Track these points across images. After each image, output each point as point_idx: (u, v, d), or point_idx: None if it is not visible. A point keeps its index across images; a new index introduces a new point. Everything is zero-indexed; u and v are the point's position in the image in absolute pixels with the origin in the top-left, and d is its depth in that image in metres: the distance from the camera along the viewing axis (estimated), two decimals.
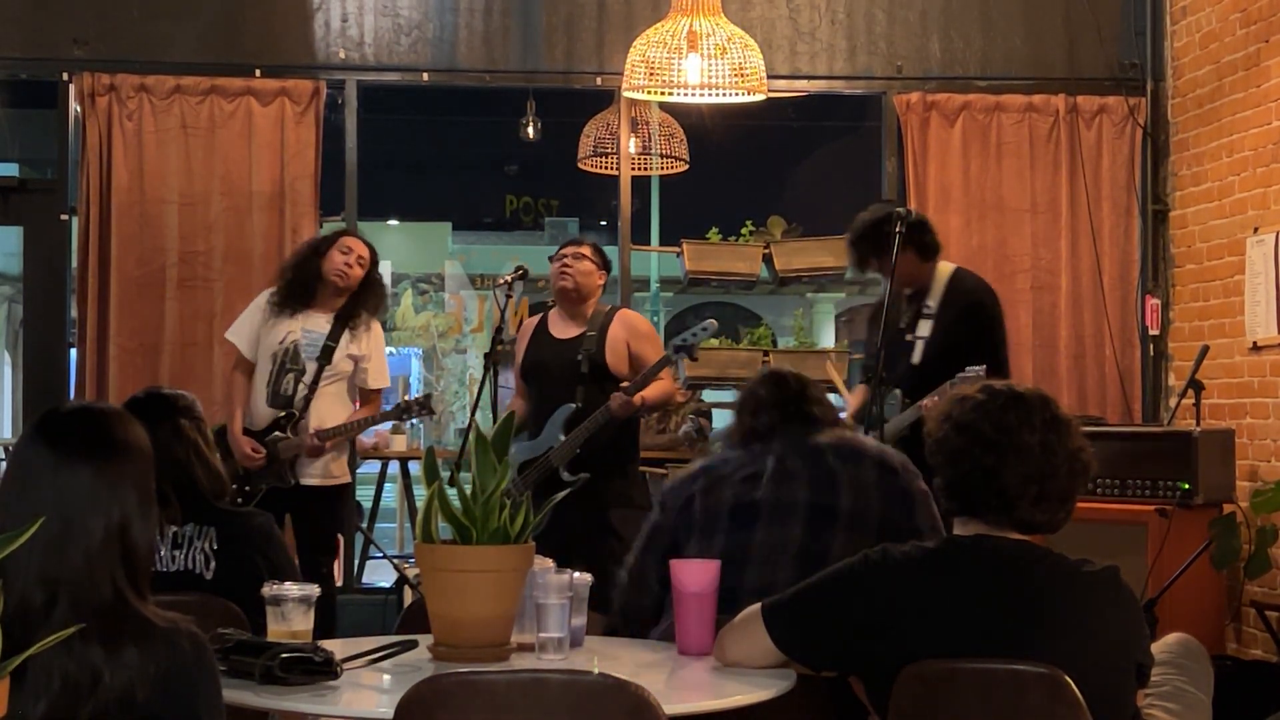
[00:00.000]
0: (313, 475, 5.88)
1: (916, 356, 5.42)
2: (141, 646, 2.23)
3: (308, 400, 5.84)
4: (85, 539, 2.26)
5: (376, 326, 6.05)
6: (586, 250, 5.82)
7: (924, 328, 5.46)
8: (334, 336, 5.87)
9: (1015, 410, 2.91)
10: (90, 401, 2.42)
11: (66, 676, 2.18)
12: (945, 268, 5.59)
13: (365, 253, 5.94)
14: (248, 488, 5.85)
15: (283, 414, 5.85)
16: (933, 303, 5.49)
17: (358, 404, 6.10)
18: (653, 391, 5.64)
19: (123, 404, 3.86)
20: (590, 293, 5.81)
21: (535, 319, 5.97)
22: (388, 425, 7.39)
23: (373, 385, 6.02)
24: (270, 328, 5.90)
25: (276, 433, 5.84)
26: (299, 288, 5.91)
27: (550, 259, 5.92)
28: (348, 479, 6.17)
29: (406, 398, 6.21)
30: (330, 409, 5.90)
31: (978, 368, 5.14)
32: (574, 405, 5.63)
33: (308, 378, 5.86)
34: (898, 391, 5.42)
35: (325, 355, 5.85)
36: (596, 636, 3.47)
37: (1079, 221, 7.18)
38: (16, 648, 2.03)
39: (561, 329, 5.82)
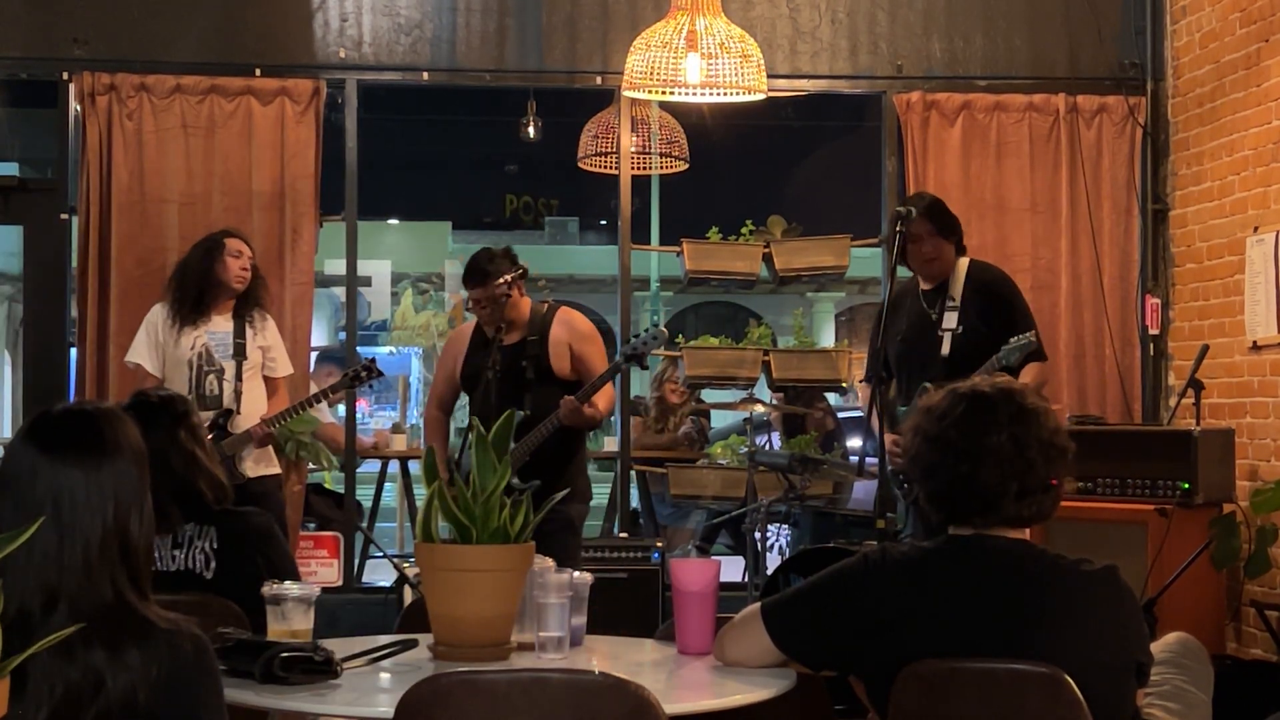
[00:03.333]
0: (256, 467, 6.06)
1: (945, 349, 5.56)
2: (143, 648, 2.22)
3: (238, 394, 6.04)
4: (82, 542, 2.24)
5: (270, 318, 6.29)
6: (491, 288, 5.50)
7: (950, 320, 5.59)
8: (240, 334, 6.10)
9: (979, 411, 2.90)
10: (82, 401, 2.40)
11: (69, 684, 2.16)
12: (962, 260, 5.75)
13: (251, 251, 6.20)
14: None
15: (215, 413, 5.95)
16: (956, 294, 5.63)
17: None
18: (604, 402, 5.52)
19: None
20: (518, 309, 5.62)
21: (469, 325, 5.82)
22: (388, 423, 7.41)
23: (280, 374, 6.26)
24: (173, 341, 6.07)
25: (217, 431, 5.93)
26: (197, 299, 6.08)
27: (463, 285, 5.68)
28: (279, 469, 6.33)
29: (355, 368, 6.27)
30: (257, 400, 6.13)
31: (1028, 335, 5.39)
32: (523, 413, 5.42)
33: (229, 375, 6.05)
34: (928, 385, 5.41)
35: (239, 351, 6.07)
36: (597, 636, 3.47)
37: (1079, 221, 7.17)
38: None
39: (501, 335, 5.58)
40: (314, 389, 6.82)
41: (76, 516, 2.25)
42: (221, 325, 6.10)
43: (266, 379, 6.21)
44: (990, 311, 5.59)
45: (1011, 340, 5.38)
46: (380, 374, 6.27)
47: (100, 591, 2.24)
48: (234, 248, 6.11)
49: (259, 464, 6.11)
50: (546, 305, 5.77)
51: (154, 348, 6.12)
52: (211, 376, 6.05)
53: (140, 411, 3.77)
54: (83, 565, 2.24)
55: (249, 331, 6.12)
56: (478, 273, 5.56)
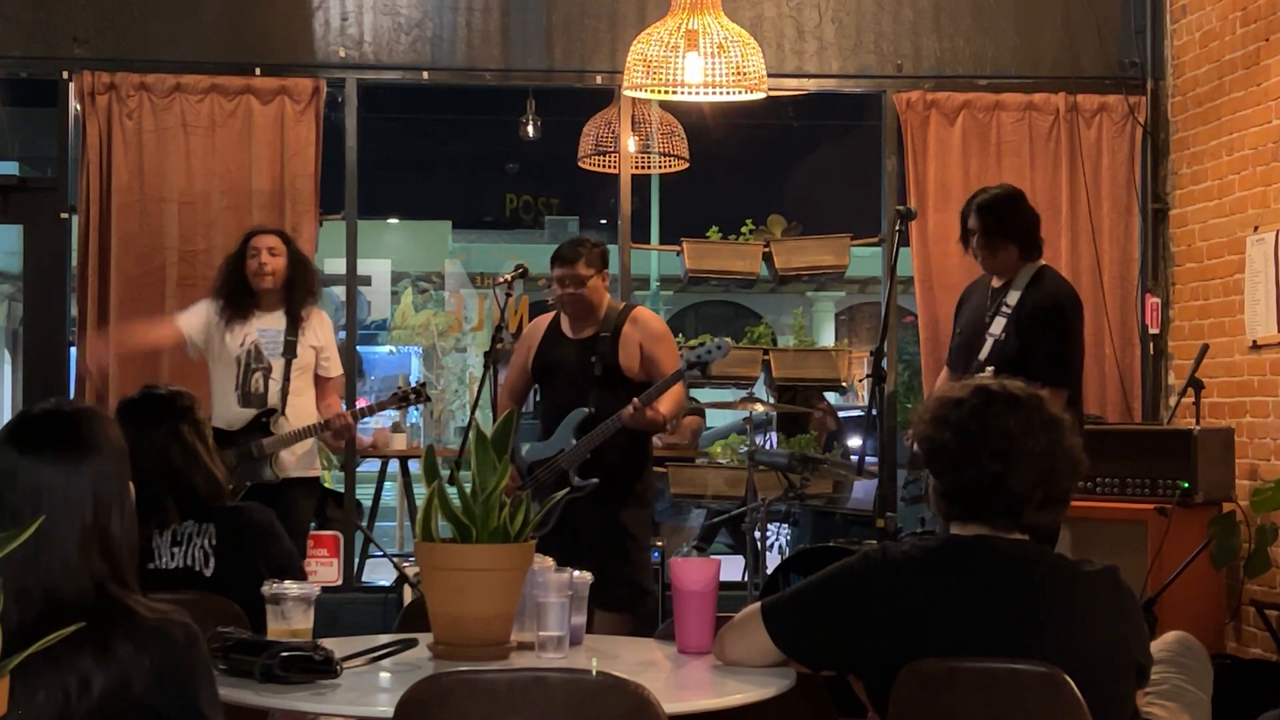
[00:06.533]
0: (294, 468, 5.96)
1: (984, 353, 5.28)
2: (133, 639, 2.22)
3: (285, 394, 5.93)
4: (60, 541, 2.24)
5: (325, 316, 6.18)
6: (579, 269, 5.52)
7: (997, 325, 5.31)
8: (291, 331, 5.97)
9: (1017, 414, 2.88)
10: (60, 401, 2.38)
11: (55, 682, 2.15)
12: (1030, 267, 5.40)
13: (275, 242, 6.03)
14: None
15: (258, 412, 5.89)
16: (1011, 301, 5.31)
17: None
18: (668, 405, 5.43)
19: (118, 404, 3.85)
20: (597, 302, 5.60)
21: (547, 316, 5.80)
22: (388, 423, 7.42)
23: (333, 374, 6.14)
24: (225, 331, 5.97)
25: (258, 429, 5.88)
26: (237, 299, 5.99)
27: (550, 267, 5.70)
28: (318, 472, 6.27)
29: (404, 386, 6.25)
30: (306, 402, 6.01)
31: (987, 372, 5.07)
32: (587, 410, 5.46)
33: (277, 374, 5.94)
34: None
35: (289, 350, 5.96)
36: (597, 635, 3.47)
37: (1079, 220, 7.17)
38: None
39: (574, 329, 5.63)
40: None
41: (54, 516, 2.24)
42: (273, 322, 5.97)
43: (319, 379, 6.08)
44: (1032, 332, 5.23)
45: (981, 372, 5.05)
46: (429, 399, 6.20)
47: (81, 589, 2.23)
48: (253, 246, 5.99)
49: (299, 465, 5.99)
50: (623, 304, 5.77)
51: (203, 328, 6.01)
52: (258, 374, 5.92)
53: (145, 405, 3.78)
54: (60, 565, 2.23)
55: (300, 328, 5.98)
56: (560, 253, 5.61)
